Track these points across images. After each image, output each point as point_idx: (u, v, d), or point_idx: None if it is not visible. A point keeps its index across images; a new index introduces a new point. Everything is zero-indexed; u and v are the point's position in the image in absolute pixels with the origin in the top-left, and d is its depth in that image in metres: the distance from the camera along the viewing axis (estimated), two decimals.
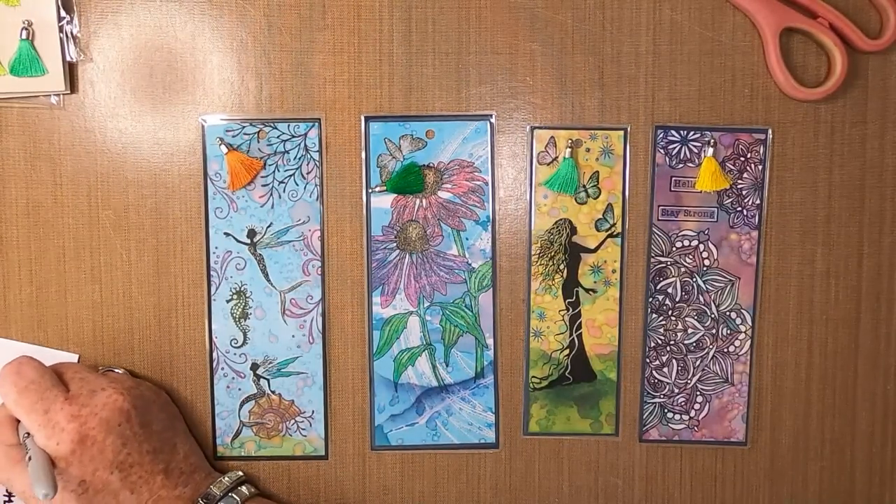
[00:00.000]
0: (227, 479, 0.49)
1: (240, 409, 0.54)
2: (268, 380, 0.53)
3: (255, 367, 0.53)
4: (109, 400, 0.46)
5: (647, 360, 0.54)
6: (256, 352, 0.53)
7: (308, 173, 0.53)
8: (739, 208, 0.53)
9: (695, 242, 0.53)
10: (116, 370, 0.52)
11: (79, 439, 0.44)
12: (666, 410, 0.54)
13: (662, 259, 0.54)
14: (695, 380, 0.54)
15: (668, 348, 0.54)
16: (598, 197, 0.53)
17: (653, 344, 0.54)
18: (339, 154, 0.53)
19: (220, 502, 0.48)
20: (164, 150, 0.52)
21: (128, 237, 0.53)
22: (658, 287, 0.54)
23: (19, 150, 0.52)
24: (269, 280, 0.53)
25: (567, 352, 0.54)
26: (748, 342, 0.54)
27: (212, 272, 0.53)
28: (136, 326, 0.53)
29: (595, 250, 0.53)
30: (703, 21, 0.53)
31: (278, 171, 0.52)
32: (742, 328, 0.54)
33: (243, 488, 0.50)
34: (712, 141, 0.53)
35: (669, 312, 0.54)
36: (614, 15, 0.52)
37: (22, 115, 0.52)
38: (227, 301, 0.53)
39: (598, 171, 0.53)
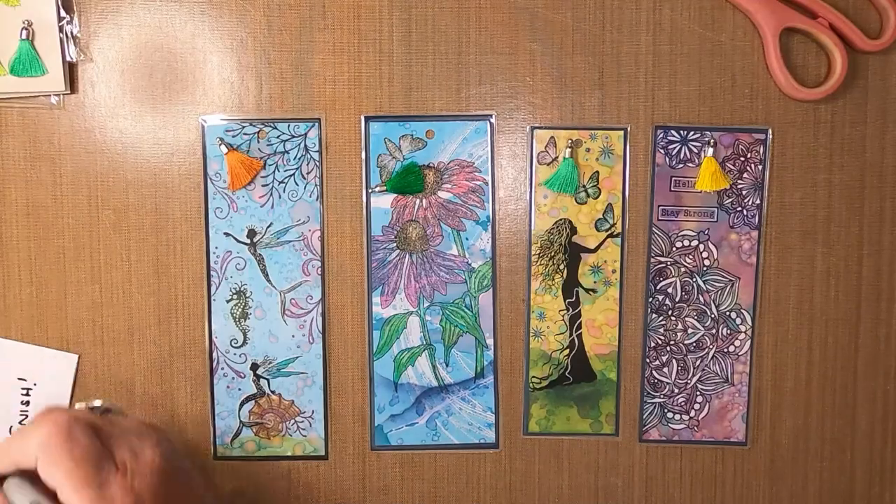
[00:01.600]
0: None
1: (240, 409, 0.54)
2: (268, 380, 0.53)
3: (255, 367, 0.53)
4: (153, 464, 0.42)
5: (647, 360, 0.54)
6: (256, 352, 0.53)
7: (308, 173, 0.53)
8: (739, 208, 0.53)
9: (695, 242, 0.53)
10: (110, 408, 0.45)
11: None
12: (666, 410, 0.54)
13: (662, 259, 0.54)
14: (695, 380, 0.54)
15: (668, 348, 0.54)
16: (598, 197, 0.53)
17: (653, 344, 0.54)
18: (339, 154, 0.53)
19: None
20: (164, 150, 0.52)
21: (128, 237, 0.53)
22: (658, 287, 0.54)
23: (19, 150, 0.52)
24: (269, 280, 0.53)
25: (567, 352, 0.54)
26: (748, 342, 0.54)
27: (212, 272, 0.53)
28: (136, 326, 0.53)
29: (595, 250, 0.53)
30: (703, 21, 0.53)
31: (278, 171, 0.52)
32: (742, 328, 0.54)
33: None
34: (712, 141, 0.53)
35: (669, 312, 0.54)
36: (614, 15, 0.52)
37: (22, 115, 0.52)
38: (227, 301, 0.53)
39: (598, 171, 0.53)
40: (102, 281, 0.53)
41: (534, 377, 0.54)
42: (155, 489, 0.41)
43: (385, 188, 0.53)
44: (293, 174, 0.53)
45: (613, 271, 0.54)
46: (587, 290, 0.54)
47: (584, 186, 0.53)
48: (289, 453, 0.54)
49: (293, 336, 0.53)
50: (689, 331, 0.54)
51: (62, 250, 0.52)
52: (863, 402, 0.55)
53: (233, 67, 0.52)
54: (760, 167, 0.53)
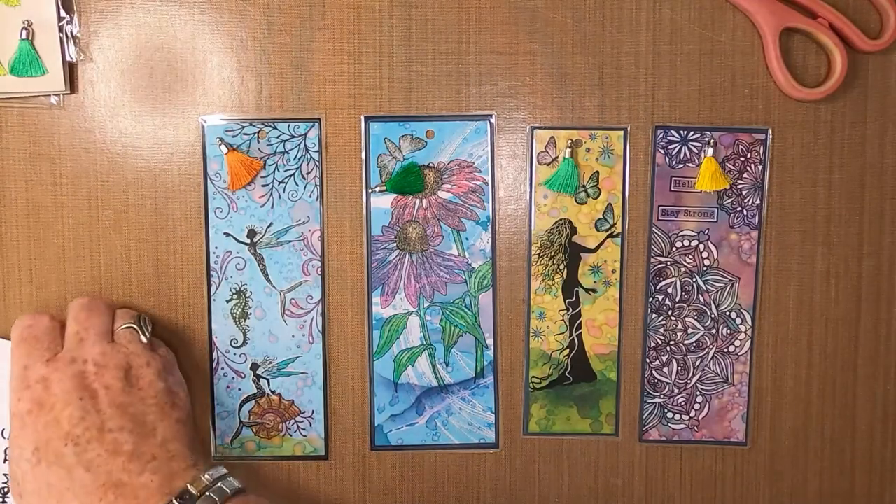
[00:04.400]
0: (207, 476, 0.44)
1: (240, 409, 0.54)
2: (268, 380, 0.54)
3: (255, 367, 0.53)
4: (80, 369, 0.45)
5: (647, 360, 0.54)
6: (256, 352, 0.53)
7: (308, 173, 0.53)
8: (739, 208, 0.53)
9: (695, 242, 0.53)
10: (134, 327, 0.49)
11: (38, 401, 0.43)
12: (666, 410, 0.54)
13: (662, 259, 0.54)
14: (695, 380, 0.54)
15: (668, 348, 0.54)
16: (598, 197, 0.53)
17: (653, 344, 0.54)
18: (339, 154, 0.53)
19: (198, 502, 0.42)
20: (164, 150, 0.52)
21: (128, 237, 0.53)
22: (658, 287, 0.54)
23: (19, 150, 0.52)
24: (269, 280, 0.53)
25: (567, 352, 0.54)
26: (748, 342, 0.54)
27: (212, 272, 0.53)
28: None
29: (595, 250, 0.53)
30: (703, 21, 0.53)
31: (278, 171, 0.52)
32: (742, 328, 0.54)
33: (223, 485, 0.44)
34: (712, 141, 0.53)
35: (669, 312, 0.54)
36: (614, 15, 0.52)
37: (22, 115, 0.52)
38: (227, 301, 0.53)
39: (597, 171, 0.53)
40: (102, 281, 0.53)
41: (534, 377, 0.54)
42: (68, 396, 0.44)
43: (385, 188, 0.53)
44: (293, 174, 0.53)
45: (613, 271, 0.54)
46: (587, 290, 0.54)
47: (584, 186, 0.53)
48: (289, 453, 0.54)
49: (293, 336, 0.53)
50: (689, 331, 0.54)
51: (62, 250, 0.52)
52: (863, 402, 0.55)
53: (233, 67, 0.52)
54: (760, 167, 0.53)
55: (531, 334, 0.54)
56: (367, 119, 0.52)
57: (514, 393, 0.54)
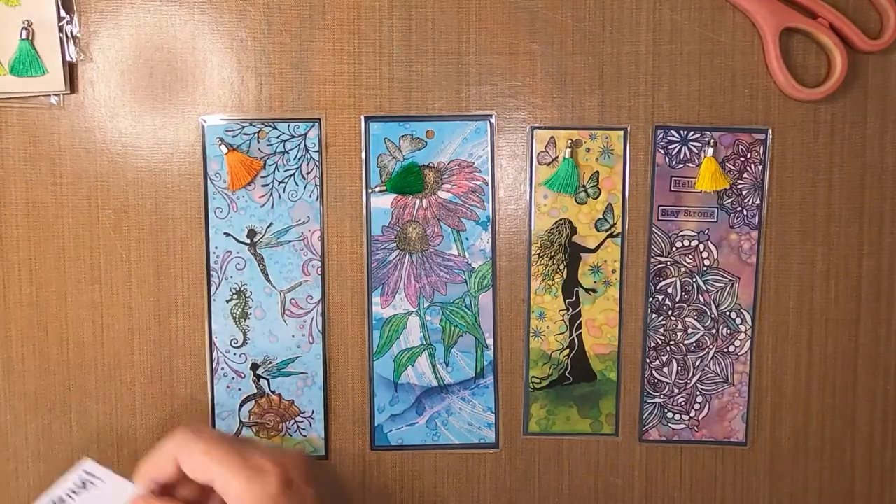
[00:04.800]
0: None
1: (240, 409, 0.54)
2: (268, 380, 0.54)
3: (255, 367, 0.53)
4: (297, 456, 0.44)
5: (647, 360, 0.54)
6: (256, 352, 0.53)
7: (308, 173, 0.53)
8: (739, 208, 0.53)
9: (695, 242, 0.53)
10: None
11: (285, 482, 0.41)
12: (666, 410, 0.54)
13: (662, 259, 0.54)
14: (695, 380, 0.54)
15: (668, 348, 0.54)
16: (597, 197, 0.53)
17: (653, 344, 0.54)
18: (339, 154, 0.53)
19: None
20: (164, 150, 0.52)
21: (128, 237, 0.53)
22: (658, 287, 0.54)
23: (19, 150, 0.52)
24: (269, 280, 0.53)
25: (567, 352, 0.54)
26: (748, 342, 0.54)
27: (212, 272, 0.53)
28: (136, 326, 0.53)
29: (595, 250, 0.53)
30: (703, 21, 0.53)
31: (278, 171, 0.52)
32: (742, 328, 0.54)
33: None
34: (712, 141, 0.53)
35: (669, 312, 0.54)
36: (614, 15, 0.52)
37: (22, 115, 0.52)
38: (227, 301, 0.53)
39: (597, 171, 0.53)
40: (102, 281, 0.53)
41: (534, 377, 0.54)
42: (306, 476, 0.42)
43: (385, 188, 0.53)
44: (293, 174, 0.53)
45: (613, 271, 0.54)
46: (587, 290, 0.54)
47: (584, 186, 0.53)
48: None
49: (293, 336, 0.53)
50: (689, 331, 0.54)
51: (62, 250, 0.52)
52: (863, 402, 0.55)
53: (233, 67, 0.52)
54: (760, 167, 0.53)
55: (531, 334, 0.54)
56: (367, 119, 0.52)
57: (514, 393, 0.54)
